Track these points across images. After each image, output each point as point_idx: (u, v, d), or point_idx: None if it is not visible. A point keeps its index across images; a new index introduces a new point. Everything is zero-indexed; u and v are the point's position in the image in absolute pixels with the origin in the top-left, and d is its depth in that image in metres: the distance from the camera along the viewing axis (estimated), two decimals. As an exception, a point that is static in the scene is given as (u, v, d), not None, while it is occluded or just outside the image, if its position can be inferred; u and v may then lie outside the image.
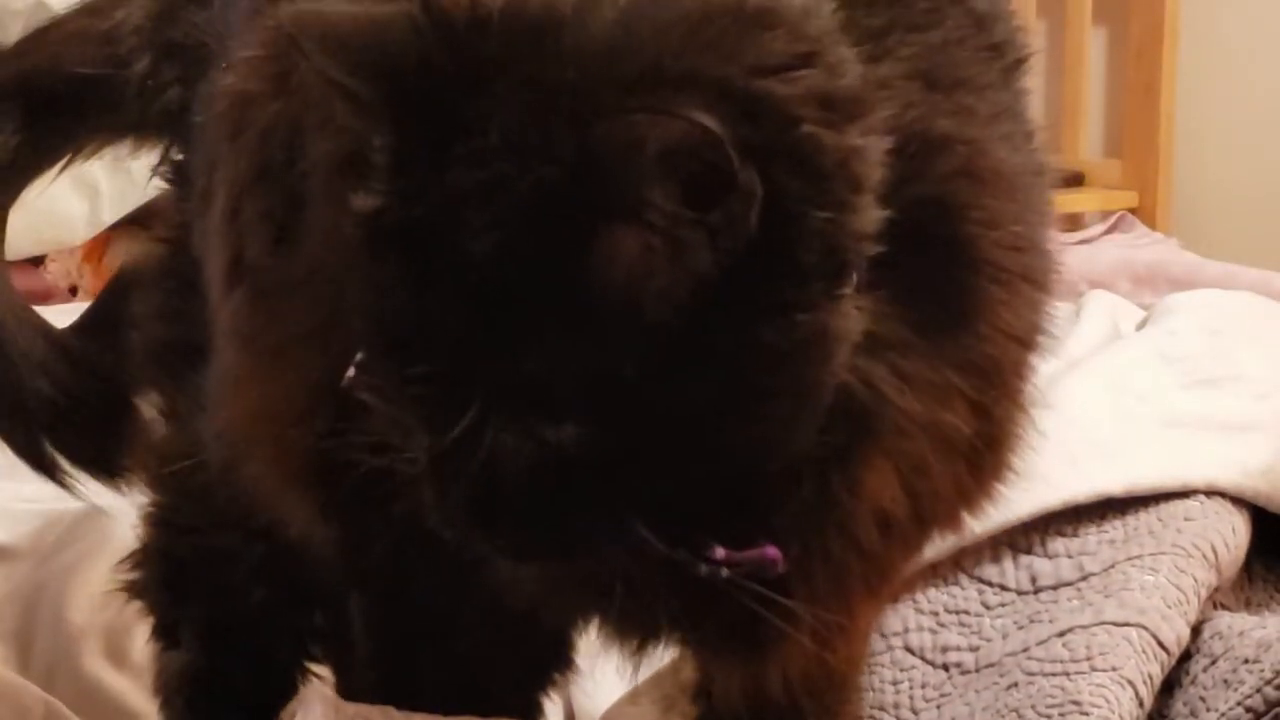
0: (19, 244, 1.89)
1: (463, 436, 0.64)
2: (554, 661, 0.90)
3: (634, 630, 0.78)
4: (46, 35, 1.16)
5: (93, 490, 1.18)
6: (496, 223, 0.62)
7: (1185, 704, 0.97)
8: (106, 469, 1.16)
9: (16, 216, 1.87)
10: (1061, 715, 0.90)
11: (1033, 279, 0.75)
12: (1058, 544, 1.09)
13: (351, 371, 0.71)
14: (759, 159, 0.62)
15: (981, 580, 1.07)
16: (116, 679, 1.18)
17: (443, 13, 0.64)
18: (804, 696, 0.85)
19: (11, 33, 1.91)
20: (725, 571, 0.70)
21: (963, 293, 0.71)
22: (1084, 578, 1.06)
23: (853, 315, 0.66)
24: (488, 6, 0.64)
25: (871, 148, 0.66)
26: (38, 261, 2.00)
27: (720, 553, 0.70)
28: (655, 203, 0.61)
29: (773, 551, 0.71)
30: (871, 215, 0.66)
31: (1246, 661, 0.96)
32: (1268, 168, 2.89)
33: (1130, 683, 0.93)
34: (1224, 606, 1.10)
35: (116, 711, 1.17)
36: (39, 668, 1.19)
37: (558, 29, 0.63)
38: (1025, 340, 0.76)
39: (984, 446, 0.75)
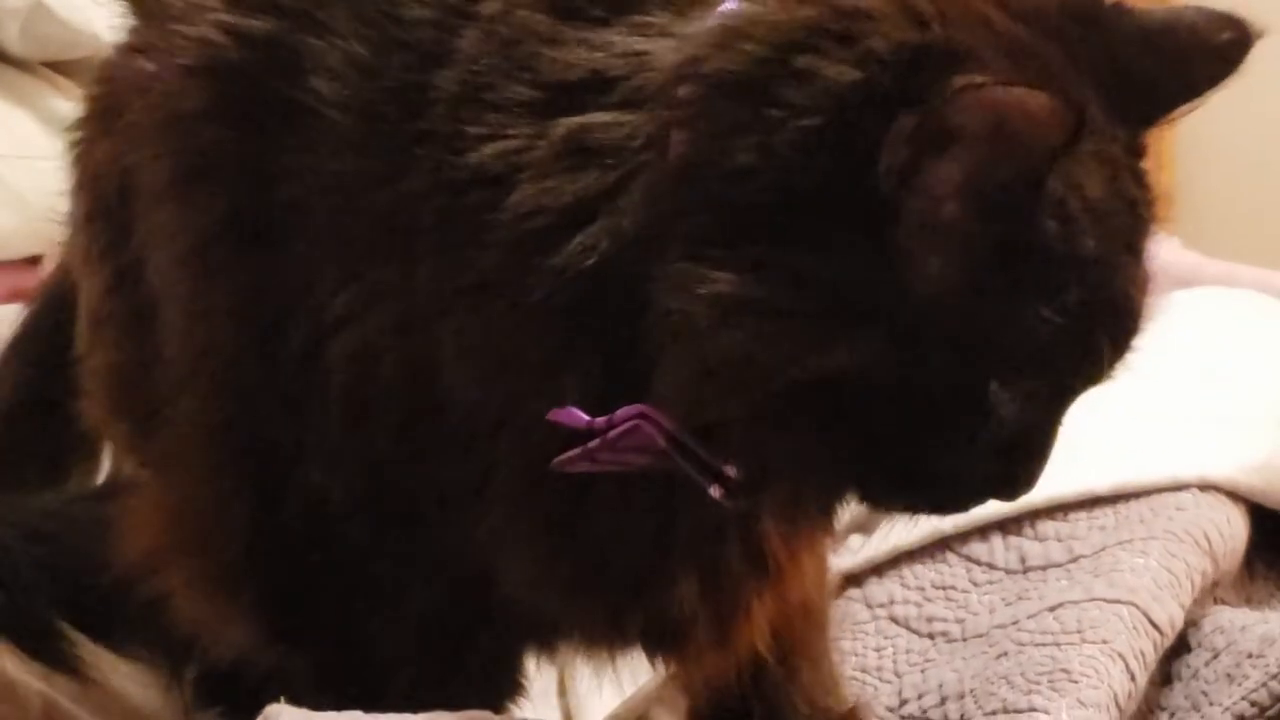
0: (16, 243, 1.90)
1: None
2: (507, 689, 0.90)
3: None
4: None
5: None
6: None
7: (1187, 697, 0.97)
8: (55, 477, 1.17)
9: (14, 215, 1.88)
10: (1051, 683, 0.90)
11: None
12: (1047, 527, 1.10)
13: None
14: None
15: (970, 559, 1.08)
16: (115, 672, 1.18)
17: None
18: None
19: (10, 33, 1.92)
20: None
21: None
22: (1073, 560, 1.06)
23: None
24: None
25: None
26: (34, 261, 1.99)
27: None
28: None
29: None
30: None
31: (1250, 656, 0.96)
32: (1269, 167, 2.88)
33: (1121, 656, 0.93)
34: (1225, 603, 1.10)
35: (116, 705, 1.16)
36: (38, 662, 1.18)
37: None
38: None
39: None
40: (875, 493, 0.72)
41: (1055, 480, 1.03)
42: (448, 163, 0.72)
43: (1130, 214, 0.70)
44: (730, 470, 0.71)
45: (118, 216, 0.87)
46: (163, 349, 0.85)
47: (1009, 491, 0.73)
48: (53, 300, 1.10)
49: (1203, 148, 2.96)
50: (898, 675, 0.99)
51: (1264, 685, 0.92)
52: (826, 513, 0.78)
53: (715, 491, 0.71)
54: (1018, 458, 0.71)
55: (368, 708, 0.79)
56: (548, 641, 0.87)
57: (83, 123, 0.93)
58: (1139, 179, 0.72)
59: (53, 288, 1.12)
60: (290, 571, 0.84)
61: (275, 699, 0.78)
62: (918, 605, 1.05)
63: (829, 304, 0.65)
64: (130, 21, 0.90)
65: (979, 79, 0.62)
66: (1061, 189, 0.65)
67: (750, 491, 0.72)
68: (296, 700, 0.78)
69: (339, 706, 0.79)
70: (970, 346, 0.66)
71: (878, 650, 1.03)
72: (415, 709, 0.79)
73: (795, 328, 0.65)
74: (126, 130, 0.85)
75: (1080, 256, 0.67)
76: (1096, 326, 0.69)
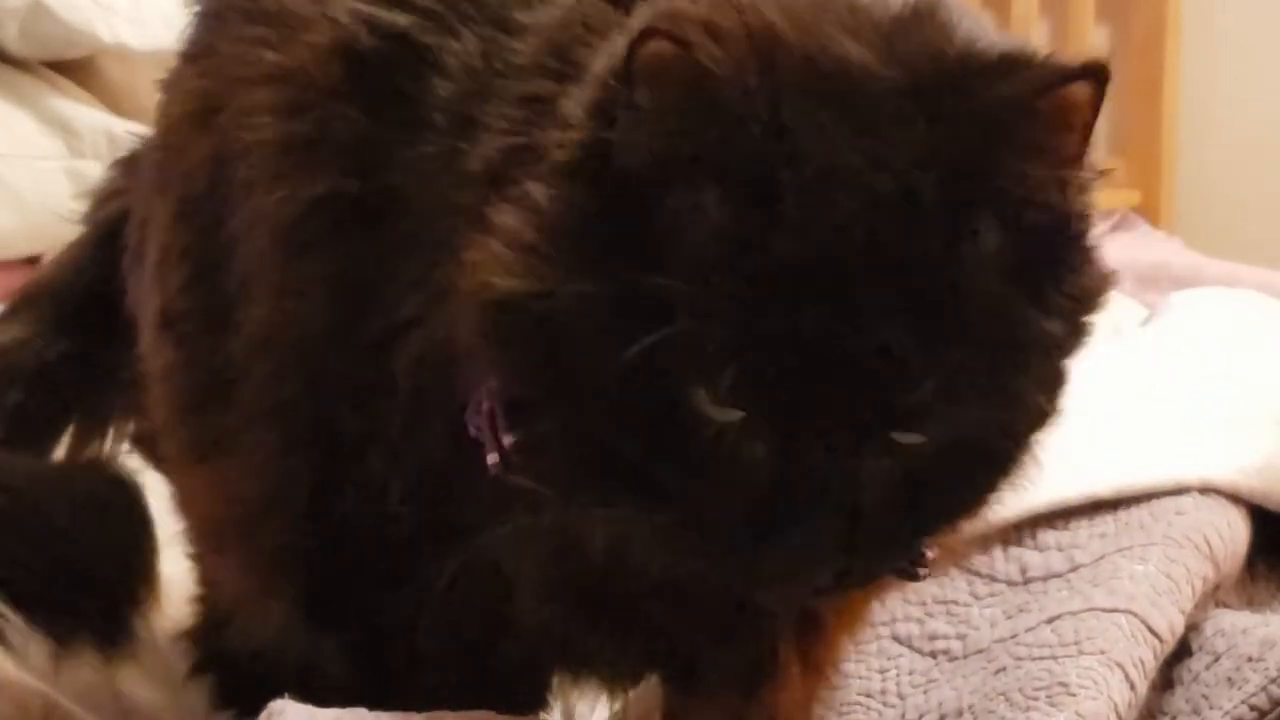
0: (16, 243, 1.90)
1: (829, 463, 0.65)
2: (530, 703, 0.89)
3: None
4: None
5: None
6: (893, 243, 0.64)
7: (1188, 701, 0.97)
8: None
9: (14, 216, 1.88)
10: (1049, 697, 0.90)
11: None
12: (1048, 537, 1.10)
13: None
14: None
15: (970, 571, 1.07)
16: (117, 673, 1.18)
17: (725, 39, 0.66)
18: None
19: (10, 32, 1.92)
20: (925, 573, 0.74)
21: None
22: (1073, 569, 1.06)
23: None
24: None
25: None
26: (34, 261, 1.99)
27: (932, 552, 0.74)
28: (1035, 174, 0.65)
29: (934, 548, 0.75)
30: None
31: (1250, 659, 0.96)
32: (1271, 166, 2.88)
33: (1119, 665, 0.92)
34: (1226, 605, 1.10)
35: (117, 706, 1.16)
36: (38, 661, 1.18)
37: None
38: None
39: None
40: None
41: (1057, 484, 1.04)
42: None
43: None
44: (507, 440, 0.72)
45: (206, 212, 0.88)
46: (242, 327, 0.85)
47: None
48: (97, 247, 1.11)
49: (1203, 148, 2.96)
50: (901, 698, 0.98)
51: (1263, 689, 0.92)
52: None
53: (492, 460, 0.72)
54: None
55: (392, 703, 0.80)
56: (574, 669, 0.87)
57: (171, 128, 0.94)
58: None
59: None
60: (339, 557, 0.84)
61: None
62: (919, 622, 1.04)
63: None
64: (216, 25, 0.92)
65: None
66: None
67: (517, 468, 0.72)
68: (321, 695, 0.79)
69: (365, 700, 0.80)
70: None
71: (881, 672, 1.01)
72: (436, 707, 0.80)
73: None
74: (230, 122, 0.86)
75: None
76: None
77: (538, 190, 0.69)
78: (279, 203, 0.83)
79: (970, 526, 0.79)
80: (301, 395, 0.83)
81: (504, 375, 0.72)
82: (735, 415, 0.65)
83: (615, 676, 0.87)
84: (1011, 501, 0.76)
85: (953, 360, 0.64)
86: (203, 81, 0.91)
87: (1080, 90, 0.66)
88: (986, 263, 0.65)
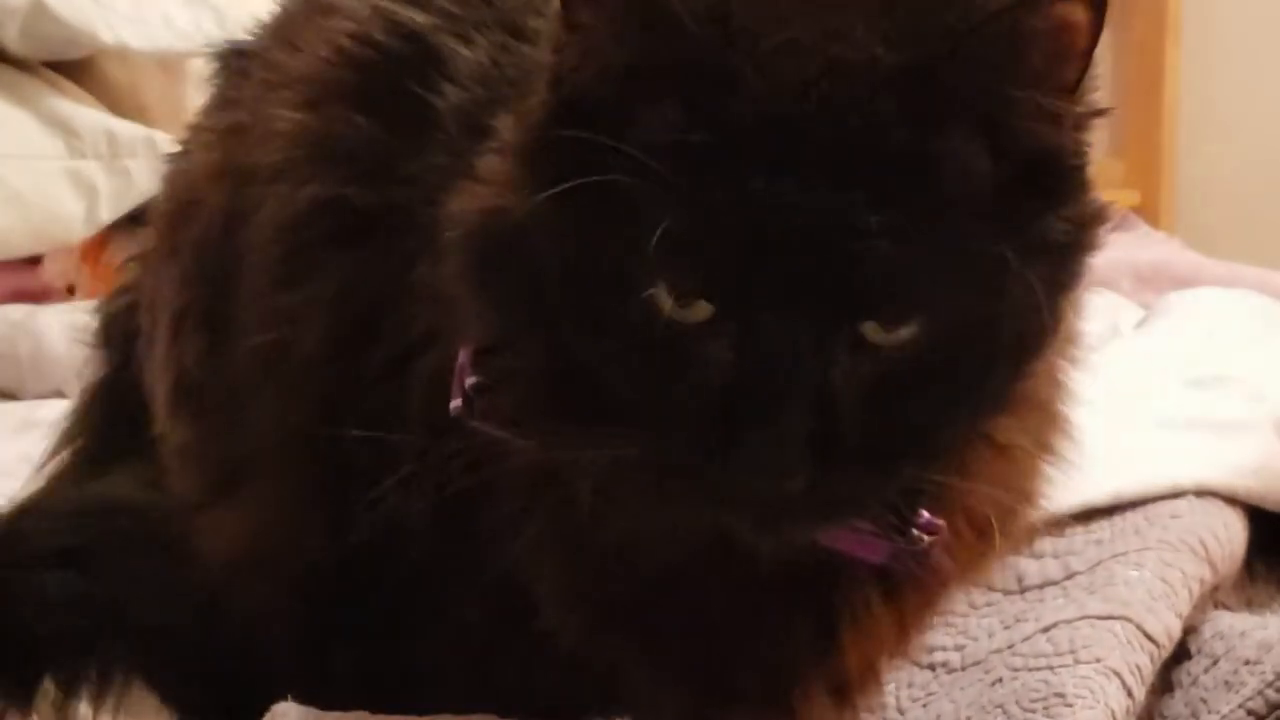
0: (16, 243, 1.90)
1: (795, 359, 0.61)
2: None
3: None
4: None
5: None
6: (851, 105, 0.61)
7: (1186, 705, 0.96)
8: None
9: (13, 215, 1.88)
10: (1046, 708, 0.89)
11: None
12: (1044, 544, 1.09)
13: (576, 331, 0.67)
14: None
15: (968, 581, 1.07)
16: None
17: None
18: None
19: (10, 32, 1.92)
20: (925, 539, 0.69)
21: None
22: (1069, 576, 1.06)
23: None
24: None
25: None
26: (34, 261, 1.99)
27: (925, 516, 0.69)
28: (1022, 96, 0.62)
29: (940, 521, 0.70)
30: None
31: (1248, 663, 0.95)
32: (1270, 166, 2.88)
33: (1116, 673, 0.92)
34: (1225, 606, 1.10)
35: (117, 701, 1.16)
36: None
37: None
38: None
39: (1061, 431, 0.77)
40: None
41: (1053, 495, 1.04)
42: None
43: None
44: (470, 382, 0.71)
45: (220, 266, 0.86)
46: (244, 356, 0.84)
47: None
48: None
49: (1204, 148, 2.96)
50: (900, 712, 0.97)
51: (1260, 693, 0.91)
52: None
53: (454, 405, 0.71)
54: None
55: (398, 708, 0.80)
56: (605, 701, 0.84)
57: (185, 187, 0.93)
58: None
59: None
60: (356, 578, 0.83)
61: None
62: (918, 633, 1.04)
63: None
64: (238, 79, 0.91)
65: None
66: None
67: (480, 412, 0.70)
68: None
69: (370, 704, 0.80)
70: None
71: (881, 687, 1.01)
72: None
73: None
74: (243, 165, 0.85)
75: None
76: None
77: (506, 125, 0.69)
78: (282, 199, 0.82)
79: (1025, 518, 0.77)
80: (310, 420, 0.81)
81: (479, 314, 0.70)
82: (695, 315, 0.62)
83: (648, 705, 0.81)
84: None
85: (921, 242, 0.60)
86: (223, 131, 0.90)
87: (1075, 10, 0.62)
88: (963, 163, 0.62)
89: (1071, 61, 0.63)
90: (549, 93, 0.67)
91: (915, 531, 0.70)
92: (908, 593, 0.75)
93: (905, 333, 0.62)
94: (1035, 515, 0.80)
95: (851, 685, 0.78)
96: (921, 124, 0.61)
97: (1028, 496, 0.77)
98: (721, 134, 0.61)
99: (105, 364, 1.09)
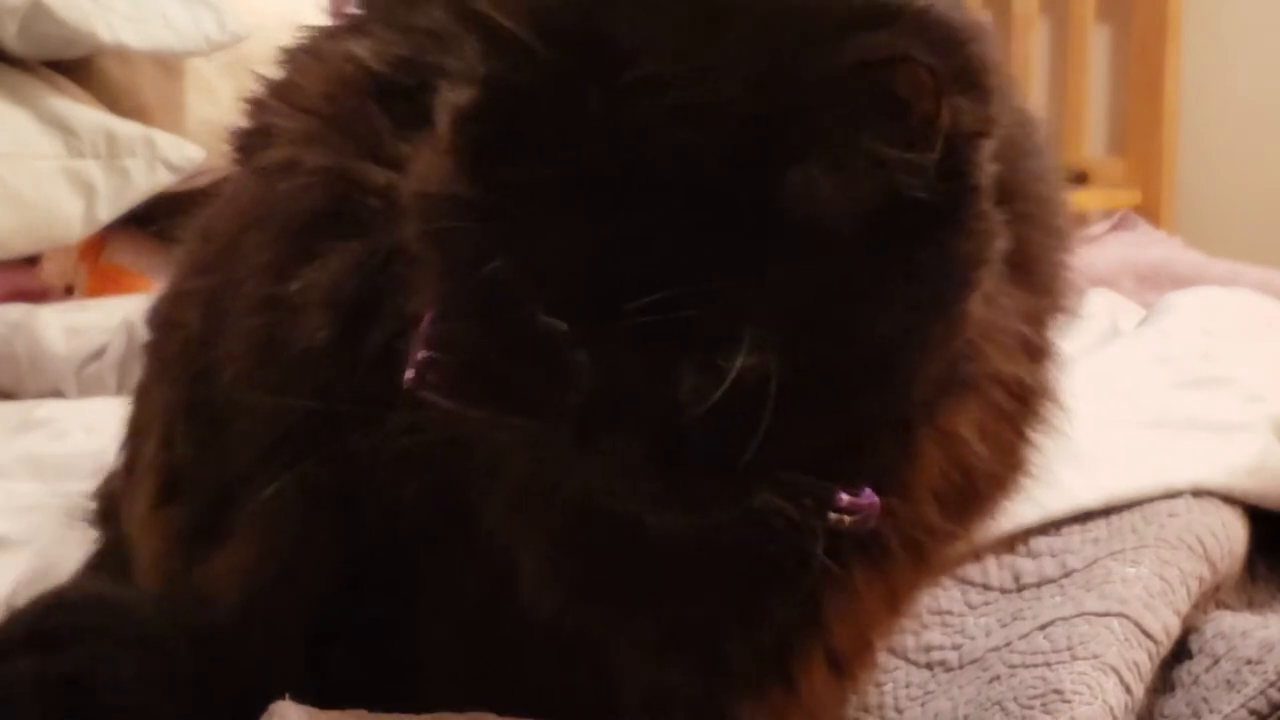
0: (14, 242, 1.89)
1: (644, 376, 0.64)
2: None
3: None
4: None
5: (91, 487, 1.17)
6: (686, 151, 0.62)
7: (1188, 704, 0.96)
8: None
9: (11, 214, 1.88)
10: (1044, 705, 0.89)
11: (1058, 235, 0.78)
12: (1040, 543, 1.09)
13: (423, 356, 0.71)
14: (947, 87, 0.64)
15: (965, 580, 1.07)
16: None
17: None
18: None
19: (10, 32, 1.92)
20: (847, 519, 0.71)
21: (1019, 242, 0.72)
22: (1066, 574, 1.06)
23: (1000, 236, 0.68)
24: None
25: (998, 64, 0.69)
26: (33, 261, 1.99)
27: (844, 499, 0.71)
28: (866, 145, 0.63)
29: (875, 499, 0.71)
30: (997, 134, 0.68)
31: (1249, 662, 0.95)
32: (1271, 165, 2.88)
33: (1114, 670, 0.92)
34: (1226, 606, 1.10)
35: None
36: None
37: None
38: (1053, 296, 0.79)
39: (1035, 398, 0.78)
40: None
41: (1047, 498, 1.04)
42: None
43: None
44: (420, 356, 0.72)
45: (201, 349, 0.88)
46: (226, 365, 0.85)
47: None
48: None
49: (1203, 148, 2.96)
50: (898, 711, 0.98)
51: (1262, 693, 0.91)
52: None
53: (407, 376, 0.72)
54: None
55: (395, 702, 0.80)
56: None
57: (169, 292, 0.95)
58: None
59: None
60: (356, 573, 0.83)
61: None
62: (914, 633, 1.04)
63: None
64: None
65: None
66: None
67: (429, 385, 0.72)
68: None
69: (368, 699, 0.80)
70: None
71: (878, 686, 1.00)
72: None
73: None
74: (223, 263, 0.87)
75: None
76: None
77: (453, 94, 0.69)
78: (285, 203, 0.83)
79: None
80: (309, 420, 0.81)
81: (430, 288, 0.72)
82: (559, 325, 0.65)
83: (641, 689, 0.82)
84: (1005, 518, 0.76)
85: (762, 278, 0.63)
86: (217, 214, 0.92)
87: (917, 71, 0.63)
88: (811, 205, 0.63)
89: (919, 116, 0.64)
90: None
91: (834, 514, 0.71)
92: (895, 563, 0.76)
93: (753, 358, 0.64)
94: (1025, 478, 0.80)
95: (847, 657, 0.80)
96: (771, 167, 0.63)
97: (1009, 464, 0.79)
98: (567, 171, 0.63)
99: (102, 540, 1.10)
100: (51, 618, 0.93)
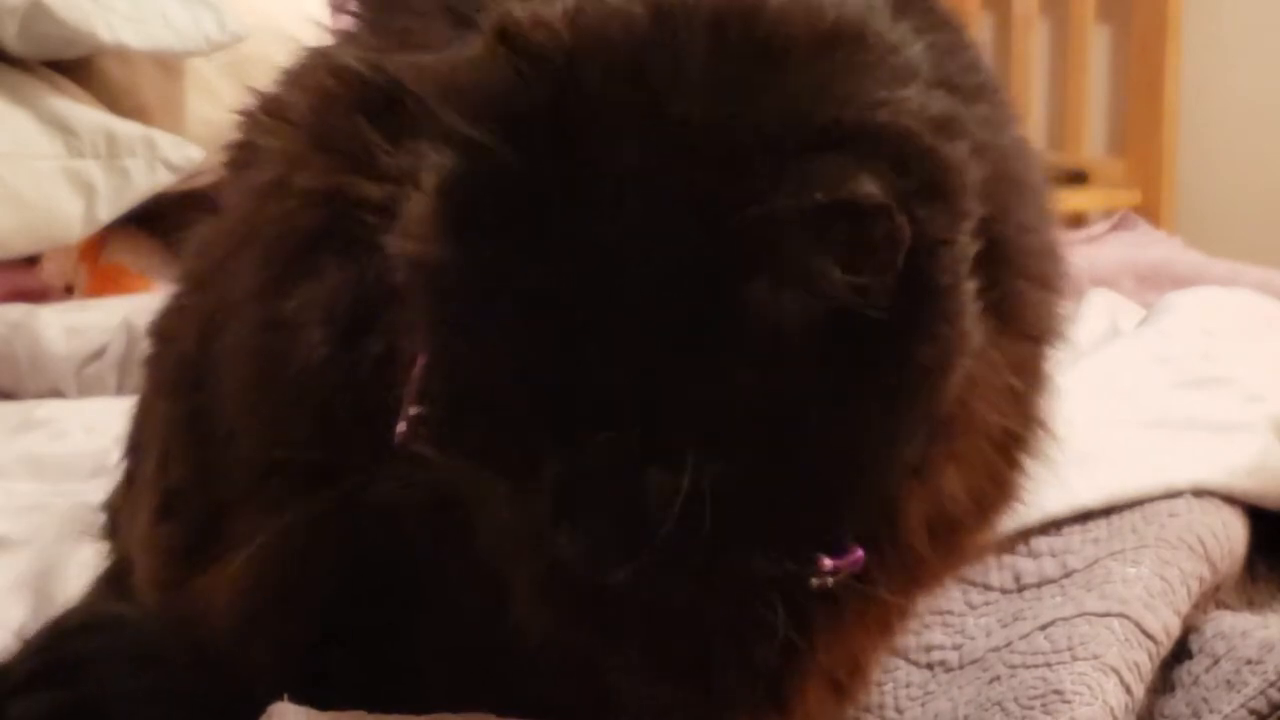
0: (14, 242, 1.89)
1: (615, 472, 0.65)
2: None
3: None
4: None
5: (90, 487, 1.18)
6: (641, 273, 0.64)
7: (1188, 705, 0.96)
8: None
9: (11, 214, 1.88)
10: (1044, 706, 0.89)
11: (1050, 282, 0.78)
12: (1041, 543, 1.09)
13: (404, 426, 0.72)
14: (907, 202, 0.63)
15: (965, 580, 1.07)
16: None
17: (529, 49, 0.66)
18: None
19: (9, 32, 1.92)
20: (830, 580, 0.72)
21: (1006, 295, 0.73)
22: (1067, 574, 1.05)
23: (977, 324, 0.68)
24: (564, 38, 0.66)
25: (970, 159, 0.68)
26: (33, 261, 1.99)
27: (827, 563, 0.71)
28: (819, 271, 0.63)
29: (860, 554, 0.72)
30: (974, 219, 0.68)
31: (1249, 662, 0.95)
32: (1271, 165, 2.88)
33: (1114, 670, 0.92)
34: (1226, 606, 1.10)
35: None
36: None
37: (663, 66, 0.65)
38: (1043, 338, 0.79)
39: (1024, 442, 0.78)
40: None
41: (1047, 498, 1.04)
42: None
43: None
44: (413, 411, 0.73)
45: (197, 363, 0.87)
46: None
47: None
48: None
49: (1203, 148, 2.96)
50: (899, 711, 0.97)
51: (1262, 693, 0.91)
52: None
53: (400, 429, 0.72)
54: None
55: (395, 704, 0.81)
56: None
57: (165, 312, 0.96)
58: None
59: None
60: (356, 581, 0.83)
61: None
62: (915, 634, 1.03)
63: None
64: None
65: None
66: None
67: (420, 438, 0.72)
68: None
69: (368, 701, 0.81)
70: None
71: (878, 686, 1.00)
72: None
73: None
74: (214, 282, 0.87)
75: None
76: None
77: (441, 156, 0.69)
78: (273, 195, 0.83)
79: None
80: (309, 441, 0.81)
81: (421, 333, 0.73)
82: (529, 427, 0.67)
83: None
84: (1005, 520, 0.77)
85: (723, 388, 0.64)
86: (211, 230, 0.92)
87: (871, 200, 0.63)
88: (769, 320, 0.64)
89: (877, 236, 0.64)
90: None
91: (817, 580, 0.72)
92: (883, 596, 0.77)
93: (716, 464, 0.65)
94: (1019, 496, 0.81)
95: (841, 678, 0.81)
96: (731, 282, 0.64)
97: (1001, 490, 0.80)
98: (537, 281, 0.64)
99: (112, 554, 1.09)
100: (64, 646, 0.95)
